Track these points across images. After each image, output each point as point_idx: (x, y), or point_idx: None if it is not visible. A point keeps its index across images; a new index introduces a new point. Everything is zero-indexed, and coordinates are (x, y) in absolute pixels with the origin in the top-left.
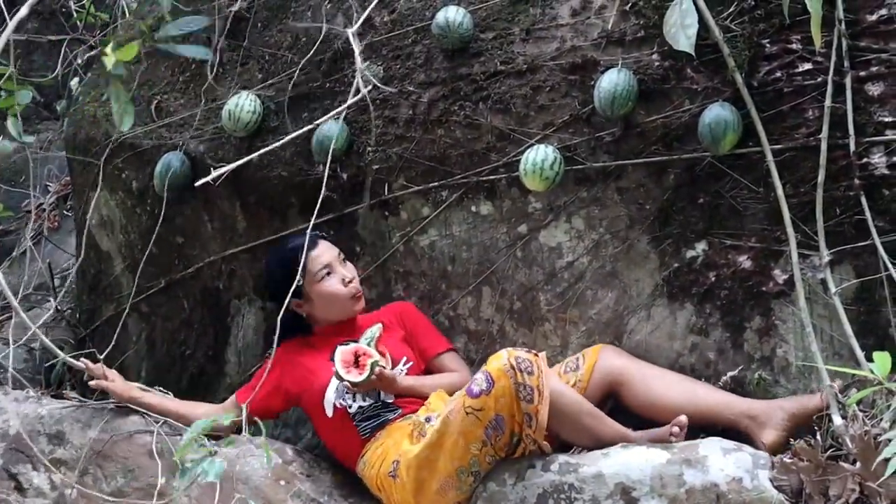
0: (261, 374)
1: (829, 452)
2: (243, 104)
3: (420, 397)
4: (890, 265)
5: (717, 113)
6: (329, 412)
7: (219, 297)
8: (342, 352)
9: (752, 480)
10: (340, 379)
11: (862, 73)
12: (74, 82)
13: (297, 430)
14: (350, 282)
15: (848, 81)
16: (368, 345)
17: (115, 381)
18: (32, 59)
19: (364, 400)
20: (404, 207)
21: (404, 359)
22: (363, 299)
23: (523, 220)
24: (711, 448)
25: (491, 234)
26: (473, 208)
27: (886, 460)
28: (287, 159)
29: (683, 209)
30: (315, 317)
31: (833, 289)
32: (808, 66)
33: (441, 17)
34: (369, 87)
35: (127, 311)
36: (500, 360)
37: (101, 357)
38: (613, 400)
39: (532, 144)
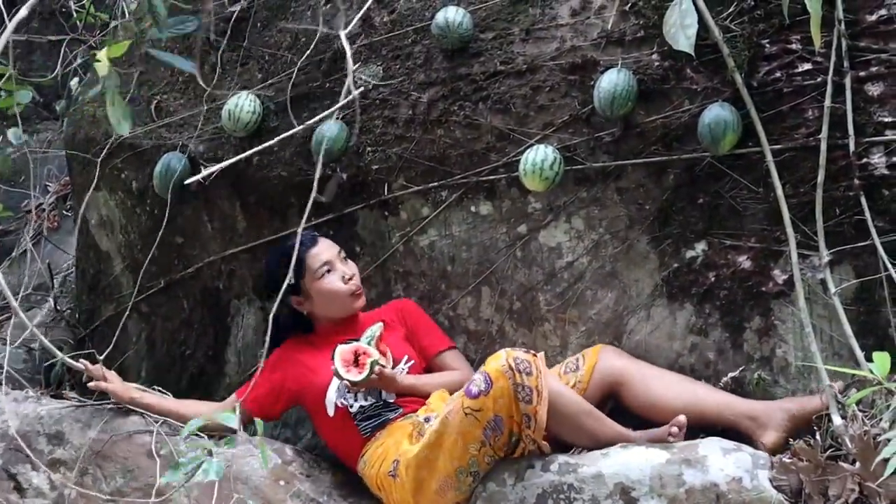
0: (260, 370)
1: (828, 452)
2: (243, 104)
3: (421, 396)
4: (889, 265)
5: (716, 113)
6: (330, 411)
7: (219, 297)
8: (342, 350)
9: (751, 480)
10: (340, 378)
11: (861, 74)
12: (74, 82)
13: (296, 430)
14: (350, 279)
15: (847, 81)
16: (369, 344)
17: (113, 382)
18: (32, 60)
19: (365, 399)
20: (404, 207)
21: (405, 357)
22: (364, 297)
23: (523, 220)
24: (711, 448)
25: (490, 235)
26: (473, 208)
27: (886, 460)
28: (287, 159)
29: (683, 209)
30: (316, 314)
31: (833, 289)
32: (807, 66)
33: (441, 17)
34: (360, 90)
35: (127, 311)
36: (498, 361)
37: (101, 358)
38: (613, 400)
39: (532, 144)
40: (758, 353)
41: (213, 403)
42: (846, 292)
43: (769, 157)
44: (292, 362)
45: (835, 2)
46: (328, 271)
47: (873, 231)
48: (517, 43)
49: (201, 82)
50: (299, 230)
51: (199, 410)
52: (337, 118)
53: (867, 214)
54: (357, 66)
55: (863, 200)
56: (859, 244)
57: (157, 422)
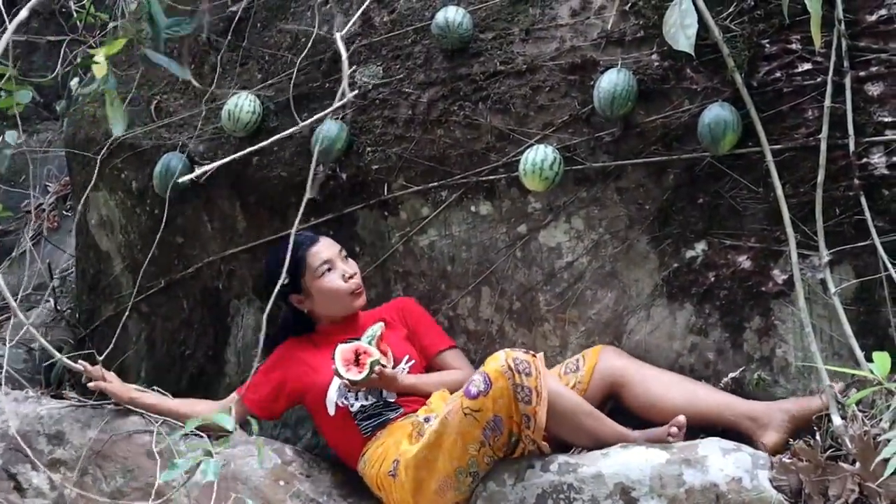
0: (261, 370)
1: (828, 453)
2: (243, 104)
3: (422, 396)
4: (889, 265)
5: (716, 113)
6: (331, 411)
7: (219, 297)
8: (342, 350)
9: (751, 480)
10: (340, 377)
11: (861, 74)
12: (74, 82)
13: (296, 430)
14: (351, 278)
15: (847, 81)
16: (370, 343)
17: (112, 383)
18: (32, 60)
19: (366, 399)
20: (404, 207)
21: (406, 357)
22: (364, 296)
23: (523, 220)
24: (711, 448)
25: (490, 235)
26: (473, 208)
27: (886, 460)
28: (287, 159)
29: (683, 209)
30: (316, 313)
31: (832, 289)
32: (807, 66)
33: (441, 17)
34: (354, 93)
35: (127, 311)
36: (497, 362)
37: (101, 358)
38: (613, 401)
39: (531, 144)
40: (758, 353)
41: (214, 402)
42: (846, 292)
43: (769, 157)
44: (293, 361)
45: (835, 2)
46: (328, 270)
47: (873, 231)
48: (517, 43)
49: (197, 84)
50: (293, 231)
51: (199, 409)
52: (336, 119)
53: (867, 214)
54: (353, 69)
55: (863, 200)
56: (859, 244)
57: (156, 422)
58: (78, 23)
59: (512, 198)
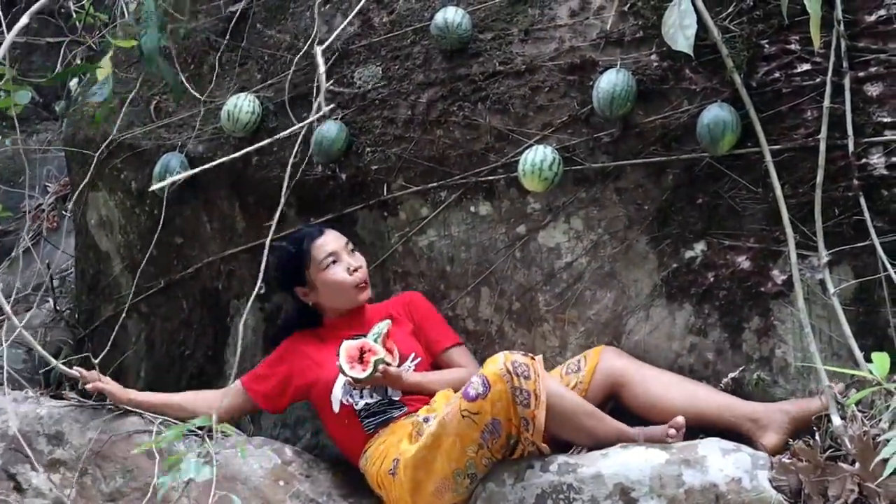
0: (267, 362)
1: (828, 453)
2: (242, 105)
3: (427, 394)
4: (889, 266)
5: (715, 113)
6: (335, 408)
7: (218, 297)
8: (347, 347)
9: (751, 481)
10: (344, 374)
11: (861, 74)
12: (73, 83)
13: (295, 430)
14: (356, 271)
15: (847, 82)
16: (375, 341)
17: (110, 384)
18: (31, 60)
19: (371, 397)
20: (403, 208)
21: (412, 355)
22: (369, 289)
23: (522, 220)
24: (710, 448)
25: (490, 235)
26: (472, 209)
27: (885, 460)
28: (286, 160)
29: (682, 210)
30: (321, 305)
31: (832, 289)
32: (806, 66)
33: (440, 17)
34: (331, 106)
35: (126, 311)
36: (496, 364)
37: (97, 360)
38: (614, 401)
39: (531, 145)
40: (757, 354)
41: (216, 391)
42: (845, 293)
43: (768, 158)
44: (299, 355)
45: (834, 2)
46: (333, 262)
47: (872, 231)
48: (516, 43)
49: (193, 90)
50: (267, 240)
51: (201, 401)
52: (336, 119)
53: (866, 215)
54: (330, 82)
55: (862, 201)
56: (858, 244)
57: (155, 421)
58: (77, 23)
59: (511, 198)
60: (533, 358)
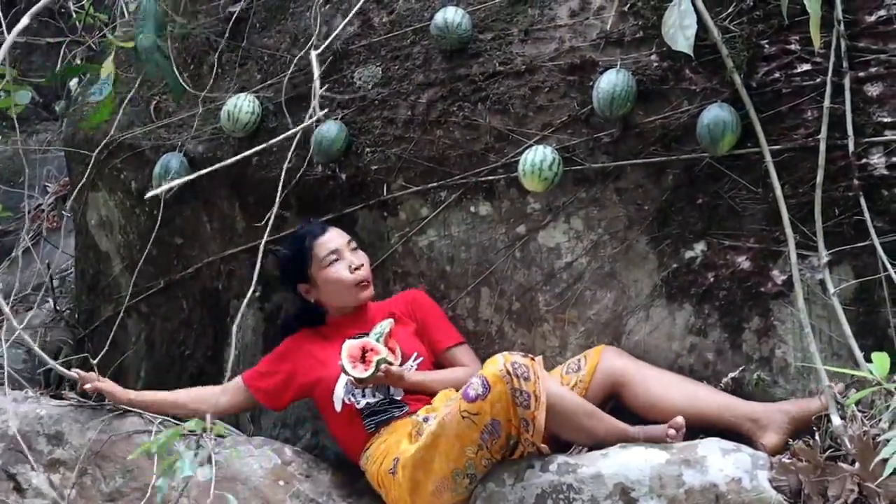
0: (269, 359)
1: (827, 453)
2: (242, 105)
3: (429, 394)
4: (889, 266)
5: (715, 113)
6: (337, 407)
7: (218, 297)
8: (349, 346)
9: (751, 481)
10: (346, 373)
11: (861, 74)
12: (73, 83)
13: (295, 430)
14: (357, 269)
15: (847, 82)
16: (378, 340)
17: (108, 383)
18: (31, 60)
19: (373, 396)
20: (403, 208)
21: (415, 354)
22: (371, 288)
23: (522, 220)
24: (710, 448)
25: (490, 235)
26: (472, 209)
27: (885, 460)
28: (286, 160)
29: (682, 210)
30: (323, 303)
31: (832, 289)
32: (806, 66)
33: (440, 17)
34: (324, 111)
35: (126, 311)
36: (496, 365)
37: (95, 361)
38: (614, 401)
39: (531, 145)
40: (757, 354)
41: (216, 387)
42: (845, 293)
43: (768, 158)
44: (302, 353)
45: (834, 2)
46: (335, 260)
47: (872, 231)
48: (516, 43)
49: (192, 90)
50: (263, 240)
51: (200, 397)
52: (336, 119)
53: (866, 215)
54: (323, 88)
55: (862, 201)
56: (858, 244)
57: (155, 421)
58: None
59: (511, 198)
60: (533, 359)
